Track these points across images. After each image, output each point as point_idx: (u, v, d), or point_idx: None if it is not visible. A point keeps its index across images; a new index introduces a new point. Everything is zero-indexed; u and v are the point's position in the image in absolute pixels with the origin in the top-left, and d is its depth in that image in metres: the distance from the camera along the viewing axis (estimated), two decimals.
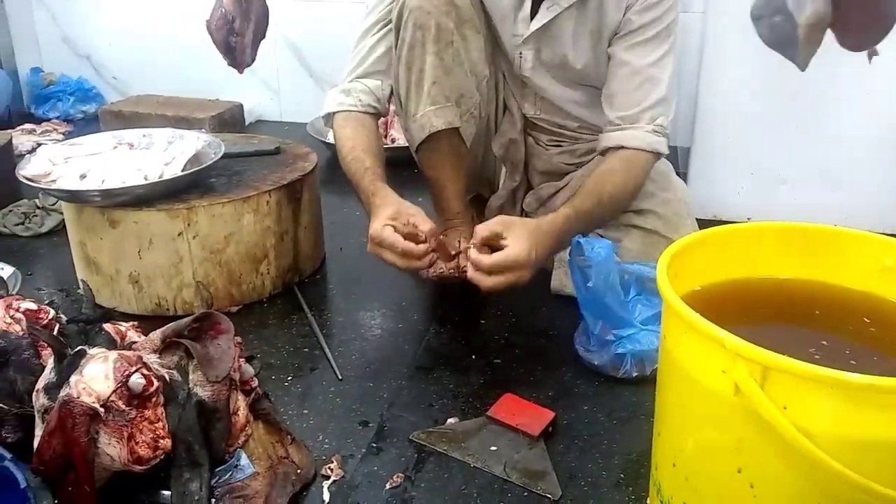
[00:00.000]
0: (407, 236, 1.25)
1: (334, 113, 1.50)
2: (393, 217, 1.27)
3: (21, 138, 2.58)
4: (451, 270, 1.39)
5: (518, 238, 1.23)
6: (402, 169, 1.69)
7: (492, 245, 1.24)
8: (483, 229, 1.25)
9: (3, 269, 1.54)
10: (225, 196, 1.45)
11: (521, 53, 1.48)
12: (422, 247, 1.25)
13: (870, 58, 0.87)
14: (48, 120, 2.84)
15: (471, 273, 1.23)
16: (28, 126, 2.72)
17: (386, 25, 1.48)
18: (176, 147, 1.55)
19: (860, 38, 0.84)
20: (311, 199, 1.61)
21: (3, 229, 1.86)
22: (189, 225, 1.41)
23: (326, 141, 2.35)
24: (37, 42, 3.01)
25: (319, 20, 2.62)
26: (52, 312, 1.16)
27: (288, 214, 1.53)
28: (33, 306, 1.12)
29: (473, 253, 1.23)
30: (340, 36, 2.60)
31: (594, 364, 1.29)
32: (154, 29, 2.80)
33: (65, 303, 1.40)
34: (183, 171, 1.46)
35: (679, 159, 1.99)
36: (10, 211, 1.90)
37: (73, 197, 1.43)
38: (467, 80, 1.42)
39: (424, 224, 1.27)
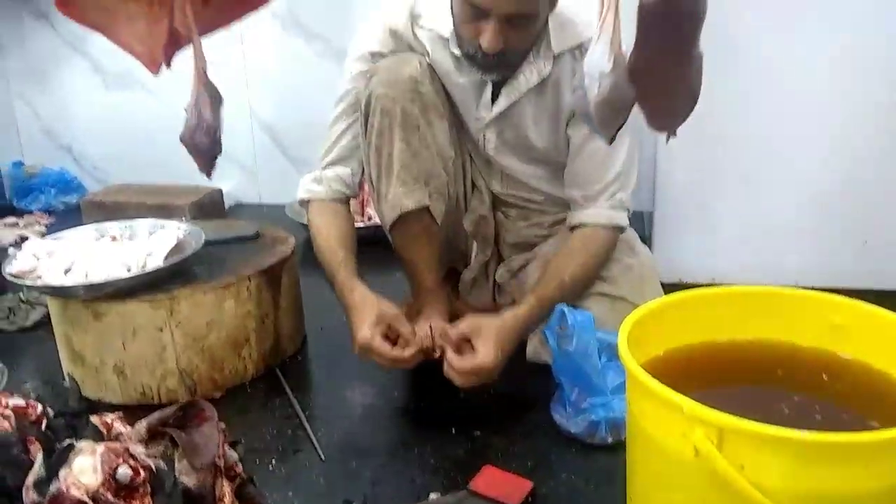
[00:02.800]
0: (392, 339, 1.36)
1: (308, 200, 1.58)
2: (376, 323, 1.35)
3: (4, 232, 2.62)
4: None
5: (485, 342, 1.33)
6: (378, 247, 1.74)
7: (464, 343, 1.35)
8: (455, 333, 1.35)
9: None
10: (206, 284, 1.49)
11: (484, 135, 1.56)
12: (408, 353, 1.35)
13: (667, 139, 0.93)
14: (30, 212, 2.88)
15: (446, 370, 1.33)
16: (10, 220, 2.76)
17: (353, 113, 1.55)
18: (157, 238, 1.60)
19: (663, 121, 0.89)
20: (291, 281, 1.65)
21: None
22: (172, 314, 1.45)
23: (305, 223, 2.41)
24: (18, 135, 3.08)
25: (293, 103, 2.70)
26: (40, 407, 1.19)
27: (268, 298, 1.57)
28: (21, 402, 1.15)
29: (449, 354, 1.34)
30: (314, 118, 2.69)
31: (570, 432, 1.32)
32: (131, 117, 2.87)
33: (51, 396, 1.43)
34: (165, 261, 1.50)
35: (644, 223, 2.07)
36: None
37: (58, 292, 1.47)
38: (434, 161, 1.49)
39: (406, 329, 1.38)
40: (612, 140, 0.96)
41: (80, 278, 1.45)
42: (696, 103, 0.86)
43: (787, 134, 1.80)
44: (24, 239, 2.59)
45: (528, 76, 1.46)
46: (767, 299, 1.09)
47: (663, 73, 0.83)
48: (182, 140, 1.14)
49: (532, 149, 1.55)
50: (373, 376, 1.58)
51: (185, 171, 2.85)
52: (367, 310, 1.38)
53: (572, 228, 1.53)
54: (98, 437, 1.17)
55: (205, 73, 1.03)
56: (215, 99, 1.07)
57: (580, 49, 1.43)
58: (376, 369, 1.59)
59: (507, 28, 1.32)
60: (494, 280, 1.71)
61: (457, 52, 1.46)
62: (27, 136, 3.07)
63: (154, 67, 1.04)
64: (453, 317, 1.68)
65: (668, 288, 1.53)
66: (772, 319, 1.08)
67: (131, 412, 1.43)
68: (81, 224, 2.55)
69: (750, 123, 1.81)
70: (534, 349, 1.57)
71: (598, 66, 0.86)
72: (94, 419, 1.19)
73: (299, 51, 2.64)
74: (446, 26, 1.46)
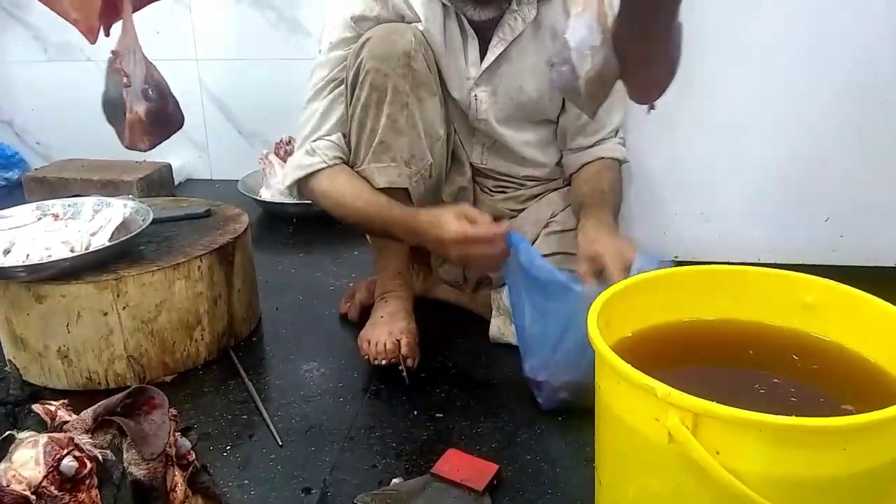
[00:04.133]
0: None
1: (307, 176, 1.48)
2: (458, 216, 1.33)
3: None
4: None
5: (607, 244, 1.29)
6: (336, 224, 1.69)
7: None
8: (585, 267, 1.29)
9: None
10: (155, 264, 1.43)
11: (475, 96, 1.50)
12: (503, 226, 1.33)
13: (648, 110, 0.92)
14: None
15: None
16: None
17: (337, 87, 1.47)
18: (102, 216, 1.53)
19: (645, 93, 0.89)
20: (244, 260, 1.60)
21: None
22: (118, 296, 1.39)
23: (258, 199, 2.35)
24: None
25: (245, 76, 2.61)
26: None
27: (220, 278, 1.51)
28: None
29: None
30: (267, 91, 2.65)
31: (539, 388, 1.30)
32: (75, 89, 2.75)
33: None
34: (110, 240, 1.44)
35: None
36: None
37: None
38: (420, 141, 1.44)
39: (484, 217, 1.35)
40: (594, 113, 0.93)
41: (21, 259, 1.37)
42: (675, 74, 0.84)
43: (747, 111, 1.79)
44: None
45: (513, 24, 1.44)
46: (736, 277, 1.07)
47: (646, 45, 0.81)
48: (148, 116, 1.08)
49: (525, 104, 1.51)
50: (331, 358, 1.54)
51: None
52: (444, 213, 1.35)
53: (581, 167, 1.55)
54: (41, 426, 1.10)
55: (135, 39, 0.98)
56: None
57: None
58: (335, 350, 1.56)
59: None
60: None
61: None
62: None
63: (92, 36, 0.99)
64: (419, 298, 1.65)
65: None
66: (740, 299, 1.06)
67: (77, 399, 1.37)
68: (24, 202, 2.47)
69: (710, 103, 1.80)
70: (497, 329, 1.54)
71: (587, 40, 0.84)
72: (37, 408, 1.13)
73: (251, 21, 2.56)
74: None
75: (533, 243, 1.53)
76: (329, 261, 2.01)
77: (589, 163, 1.54)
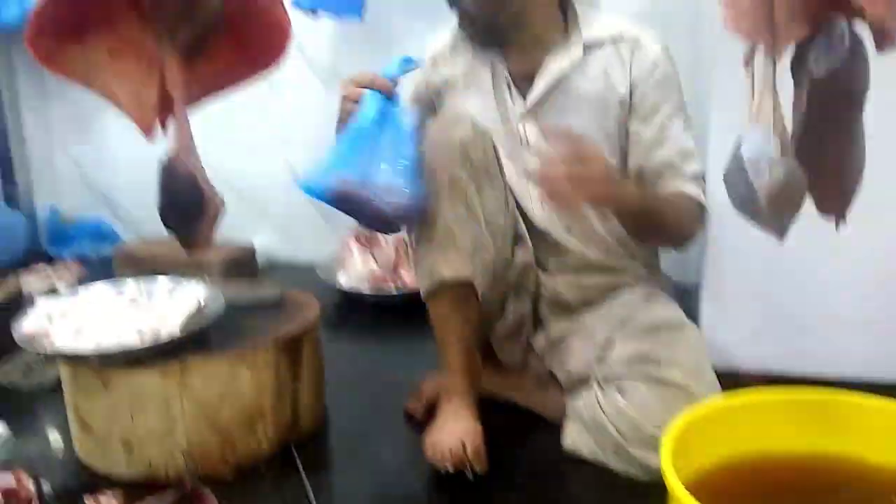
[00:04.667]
0: None
1: None
2: None
3: (33, 281, 2.59)
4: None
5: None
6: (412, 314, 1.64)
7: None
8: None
9: None
10: (221, 353, 1.41)
11: (524, 127, 1.53)
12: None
13: (837, 225, 0.85)
14: (63, 260, 2.86)
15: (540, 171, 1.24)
16: (41, 266, 2.73)
17: None
18: (176, 300, 1.53)
19: (833, 203, 0.82)
20: (312, 352, 1.57)
21: (4, 382, 1.83)
22: (183, 385, 1.37)
23: (337, 286, 2.34)
24: (56, 182, 3.07)
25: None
26: (32, 486, 1.11)
27: (286, 370, 1.49)
28: (11, 483, 1.07)
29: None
30: None
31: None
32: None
33: (53, 468, 1.35)
34: (180, 330, 1.43)
35: (691, 298, 1.94)
36: (13, 362, 1.87)
37: (67, 359, 1.40)
38: (482, 232, 1.42)
39: None
40: (783, 234, 0.87)
41: (91, 343, 1.38)
42: (861, 180, 0.79)
43: (853, 213, 1.67)
44: (54, 289, 2.57)
45: (561, 61, 1.49)
46: (832, 407, 0.98)
47: (833, 153, 0.76)
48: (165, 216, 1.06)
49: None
50: (395, 460, 1.48)
51: (221, 227, 2.83)
52: None
53: None
54: None
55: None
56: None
57: (621, 38, 1.48)
58: (398, 452, 1.51)
59: None
60: (528, 341, 1.62)
61: (461, 32, 1.52)
62: (66, 183, 3.06)
63: (148, 132, 0.99)
64: (489, 398, 1.59)
65: (720, 377, 1.42)
66: (837, 430, 0.97)
67: (136, 488, 1.35)
68: (113, 275, 2.53)
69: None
70: (572, 438, 1.45)
71: (763, 153, 0.79)
72: (88, 500, 1.12)
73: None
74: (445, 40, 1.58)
75: (608, 346, 1.46)
76: (403, 353, 1.97)
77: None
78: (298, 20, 2.48)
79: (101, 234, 2.96)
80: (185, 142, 1.02)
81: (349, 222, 1.55)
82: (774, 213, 0.81)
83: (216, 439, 1.42)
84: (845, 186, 0.81)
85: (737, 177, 0.81)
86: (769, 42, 0.75)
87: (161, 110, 0.99)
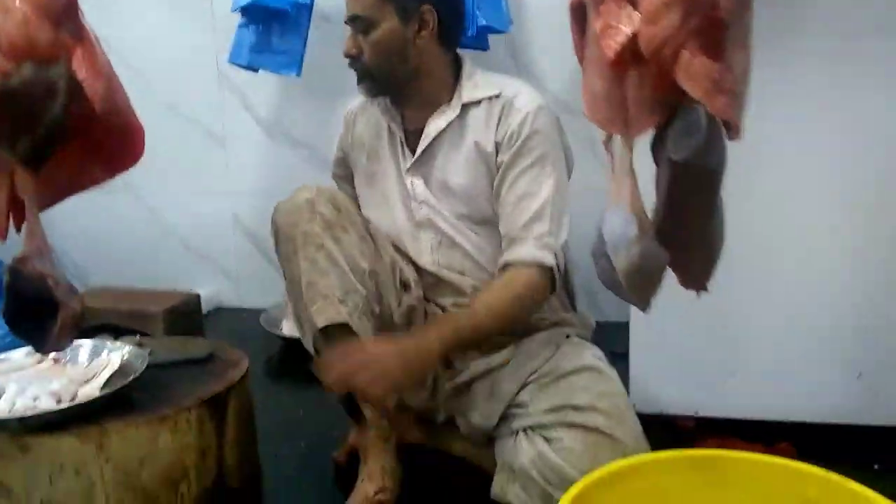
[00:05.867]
0: None
1: None
2: None
3: None
4: None
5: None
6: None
7: None
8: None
9: None
10: (141, 416, 1.40)
11: (412, 182, 1.58)
12: None
13: (698, 294, 0.87)
14: None
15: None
16: None
17: None
18: (99, 362, 1.52)
19: (695, 277, 0.84)
20: (240, 408, 1.55)
21: None
22: (101, 449, 1.35)
23: (279, 334, 2.33)
24: None
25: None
26: None
27: (210, 429, 1.47)
28: None
29: None
30: None
31: None
32: (113, 218, 2.83)
33: None
34: (103, 388, 1.42)
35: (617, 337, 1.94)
36: None
37: None
38: (346, 276, 1.45)
39: None
40: (646, 307, 0.88)
41: (7, 408, 1.36)
42: (721, 252, 0.81)
43: (775, 266, 1.71)
44: None
45: (438, 121, 1.55)
46: (733, 466, 0.99)
47: (693, 229, 0.78)
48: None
49: (456, 196, 1.55)
50: None
51: (164, 273, 2.83)
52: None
53: (501, 271, 1.50)
54: None
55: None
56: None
57: (497, 99, 1.52)
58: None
59: (356, 35, 1.50)
60: (435, 383, 1.61)
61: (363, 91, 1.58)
62: (9, 234, 3.02)
63: (1, 235, 0.99)
64: (420, 446, 1.59)
65: (648, 420, 1.43)
66: (735, 489, 0.98)
67: None
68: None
69: (738, 254, 1.71)
70: (500, 487, 1.45)
71: (622, 234, 0.81)
72: None
73: (284, 157, 2.61)
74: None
75: (517, 396, 1.47)
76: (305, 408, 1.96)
77: (502, 268, 1.49)
78: (242, 73, 2.52)
79: None
80: (37, 244, 1.02)
81: None
82: (633, 290, 0.82)
83: (137, 502, 1.39)
84: (707, 259, 0.83)
85: (600, 254, 0.83)
86: (623, 131, 0.77)
87: (14, 213, 0.99)
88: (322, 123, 2.53)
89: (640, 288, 0.82)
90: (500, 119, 1.51)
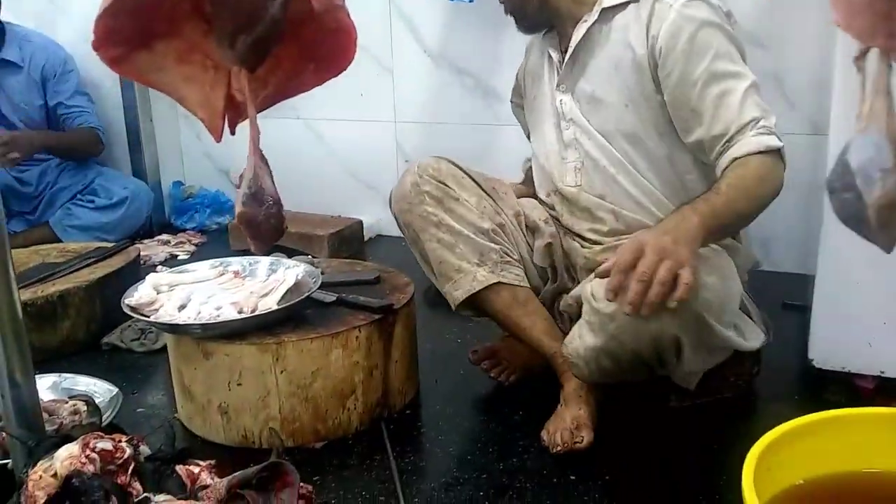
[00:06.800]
0: None
1: None
2: None
3: (155, 248, 2.73)
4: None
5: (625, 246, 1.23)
6: None
7: None
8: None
9: (105, 392, 1.57)
10: (314, 331, 1.44)
11: (561, 101, 1.56)
12: None
13: None
14: (184, 230, 2.99)
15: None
16: (164, 237, 2.88)
17: None
18: (276, 277, 1.57)
19: None
20: (405, 332, 1.58)
21: (121, 344, 1.94)
22: (277, 360, 1.41)
23: None
24: (181, 157, 3.21)
25: (439, 138, 2.64)
26: (129, 451, 1.16)
27: (378, 349, 1.51)
28: (109, 446, 1.13)
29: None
30: (460, 153, 2.62)
31: None
32: (285, 145, 2.92)
33: (154, 430, 1.42)
34: (278, 304, 1.47)
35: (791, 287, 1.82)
36: (129, 326, 1.98)
37: (170, 329, 1.47)
38: (474, 240, 1.51)
39: None
40: (891, 248, 0.80)
41: (192, 316, 1.44)
42: None
43: None
44: (174, 257, 2.70)
45: (579, 30, 1.50)
46: None
47: None
48: (240, 218, 1.09)
49: (601, 107, 1.50)
50: (479, 441, 1.48)
51: (330, 202, 2.90)
52: None
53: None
54: (181, 489, 1.13)
55: (256, 144, 0.98)
56: (269, 170, 1.02)
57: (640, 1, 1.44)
58: (484, 430, 1.52)
59: None
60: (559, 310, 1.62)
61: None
62: (190, 157, 3.19)
63: (216, 134, 1.00)
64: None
65: (831, 377, 1.35)
66: None
67: (231, 455, 1.41)
68: (229, 246, 2.64)
69: None
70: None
71: (874, 162, 0.73)
72: (181, 469, 1.16)
73: (449, 86, 2.60)
74: None
75: None
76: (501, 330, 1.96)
77: (725, 168, 1.38)
78: (411, 1, 2.51)
79: (220, 206, 3.08)
80: (256, 149, 1.04)
81: None
82: (883, 227, 0.74)
83: (308, 413, 1.45)
84: None
85: (842, 185, 0.74)
86: (885, 45, 0.68)
87: (229, 114, 1.01)
88: (488, 54, 2.49)
89: (889, 223, 0.74)
90: (649, 19, 1.42)
